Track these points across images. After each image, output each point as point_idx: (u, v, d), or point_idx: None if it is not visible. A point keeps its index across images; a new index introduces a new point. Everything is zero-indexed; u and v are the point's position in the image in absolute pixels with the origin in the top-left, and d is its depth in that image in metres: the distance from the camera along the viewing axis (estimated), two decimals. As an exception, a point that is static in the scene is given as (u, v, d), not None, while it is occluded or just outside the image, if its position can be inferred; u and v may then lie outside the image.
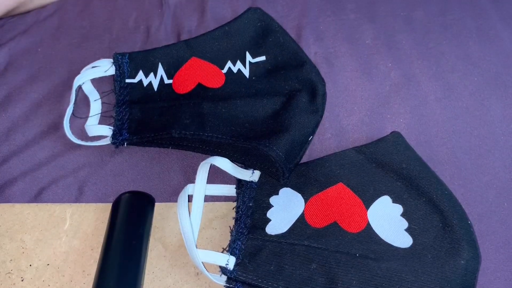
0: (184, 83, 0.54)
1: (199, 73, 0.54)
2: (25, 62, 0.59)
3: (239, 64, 0.55)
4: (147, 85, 0.54)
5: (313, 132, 0.50)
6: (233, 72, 0.54)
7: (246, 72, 0.54)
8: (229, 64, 0.55)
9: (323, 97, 0.52)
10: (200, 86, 0.53)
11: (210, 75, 0.54)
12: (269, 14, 0.58)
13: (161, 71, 0.55)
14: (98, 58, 0.56)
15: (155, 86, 0.54)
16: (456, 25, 0.60)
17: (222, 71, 0.54)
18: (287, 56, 0.54)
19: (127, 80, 0.54)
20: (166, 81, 0.55)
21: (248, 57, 0.55)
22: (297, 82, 0.52)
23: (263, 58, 0.55)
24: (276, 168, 0.46)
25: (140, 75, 0.55)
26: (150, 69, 0.55)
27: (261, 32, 0.56)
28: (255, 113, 0.50)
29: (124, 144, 0.51)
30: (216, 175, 0.49)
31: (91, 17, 0.64)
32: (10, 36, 0.62)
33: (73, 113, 0.54)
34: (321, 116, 0.52)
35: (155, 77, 0.55)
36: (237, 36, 0.56)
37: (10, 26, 0.63)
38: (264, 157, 0.47)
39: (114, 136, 0.51)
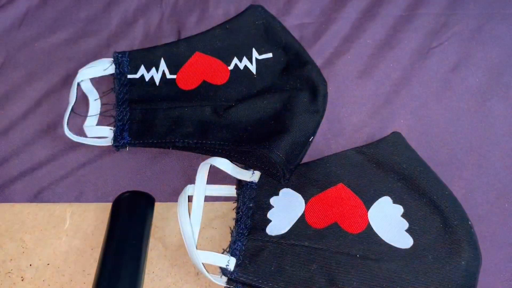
0: (189, 79, 0.54)
1: (203, 69, 0.54)
2: (23, 58, 0.58)
3: (245, 61, 0.54)
4: (149, 79, 0.54)
5: (313, 133, 0.50)
6: (240, 69, 0.54)
7: (253, 68, 0.54)
8: (235, 60, 0.55)
9: (324, 97, 0.51)
10: (204, 83, 0.53)
11: (215, 71, 0.54)
12: (270, 12, 0.58)
13: (163, 65, 0.55)
14: (97, 55, 0.56)
15: (157, 80, 0.54)
16: (458, 25, 0.60)
17: (228, 67, 0.54)
18: (290, 55, 0.54)
19: (129, 76, 0.54)
20: (168, 75, 0.54)
21: (255, 54, 0.55)
22: (298, 82, 0.51)
23: (270, 55, 0.55)
24: (277, 170, 0.46)
25: (142, 70, 0.54)
26: (151, 64, 0.55)
27: (263, 30, 0.56)
28: (256, 115, 0.50)
29: (125, 147, 0.51)
30: (216, 176, 0.49)
31: (89, 8, 0.62)
32: (4, 27, 0.60)
33: (73, 112, 0.53)
34: (322, 117, 0.51)
35: (157, 72, 0.54)
36: (240, 33, 0.56)
37: (1, 16, 0.61)
38: (264, 159, 0.47)
39: (115, 139, 0.50)
